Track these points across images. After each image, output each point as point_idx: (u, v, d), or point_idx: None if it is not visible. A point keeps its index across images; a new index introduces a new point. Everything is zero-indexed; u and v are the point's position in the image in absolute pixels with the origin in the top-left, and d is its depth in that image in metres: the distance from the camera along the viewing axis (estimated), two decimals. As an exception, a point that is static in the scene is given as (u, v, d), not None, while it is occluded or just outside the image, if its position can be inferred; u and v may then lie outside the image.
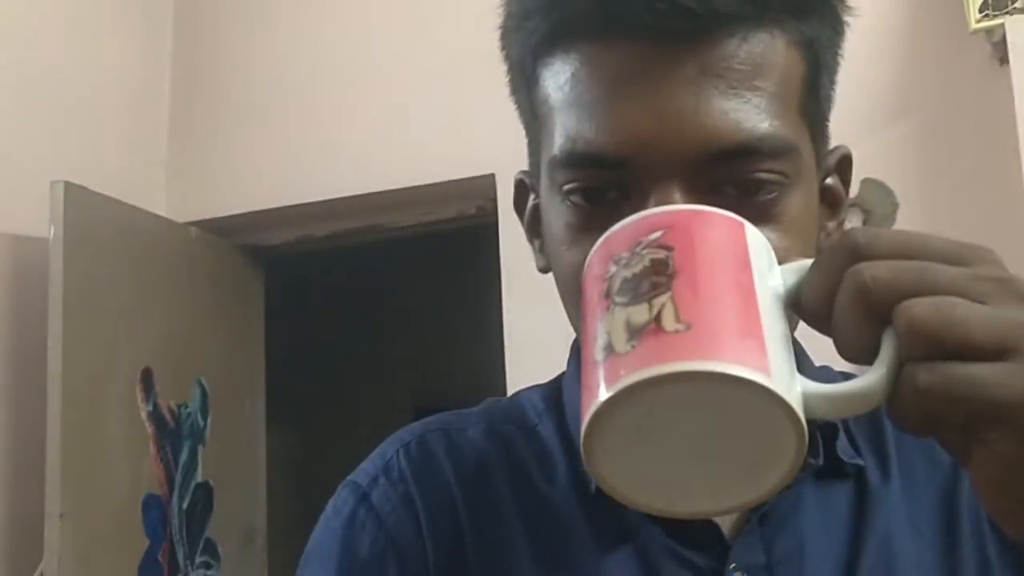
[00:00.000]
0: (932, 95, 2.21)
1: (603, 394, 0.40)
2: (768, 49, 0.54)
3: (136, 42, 2.90)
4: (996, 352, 0.37)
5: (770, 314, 0.42)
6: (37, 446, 2.24)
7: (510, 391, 2.32)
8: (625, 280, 0.42)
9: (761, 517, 0.60)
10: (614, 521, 0.60)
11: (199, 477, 2.66)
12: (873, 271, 0.39)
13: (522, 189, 0.67)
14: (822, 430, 0.61)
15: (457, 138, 2.59)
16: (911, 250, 0.40)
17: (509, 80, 0.64)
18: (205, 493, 2.68)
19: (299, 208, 2.81)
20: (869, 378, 0.40)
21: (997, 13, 1.91)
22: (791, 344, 0.42)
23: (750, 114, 0.53)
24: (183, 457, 2.60)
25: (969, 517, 0.62)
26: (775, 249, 0.45)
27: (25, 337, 2.39)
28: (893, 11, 2.21)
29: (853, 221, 2.22)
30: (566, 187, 0.56)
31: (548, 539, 0.61)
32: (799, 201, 0.55)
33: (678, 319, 0.40)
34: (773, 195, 0.54)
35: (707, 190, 0.52)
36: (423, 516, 0.62)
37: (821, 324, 0.41)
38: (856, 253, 0.40)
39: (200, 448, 2.67)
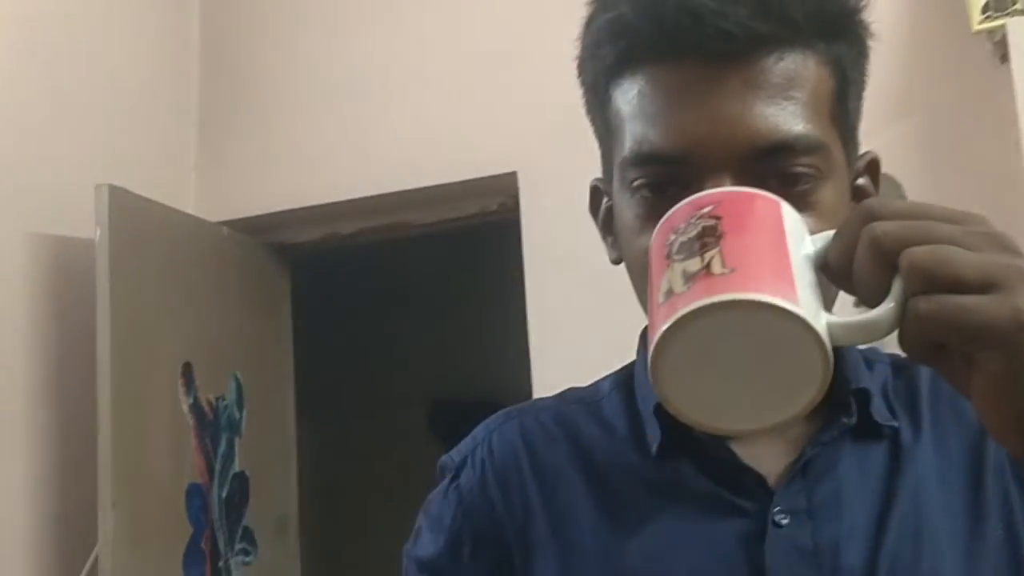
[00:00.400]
0: (937, 92, 2.31)
1: (665, 324, 0.49)
2: (800, 66, 0.65)
3: (165, 46, 3.00)
4: (982, 287, 0.45)
5: (800, 267, 0.51)
6: (87, 439, 2.34)
7: (535, 382, 2.44)
8: (682, 243, 0.52)
9: (803, 469, 0.68)
10: (670, 477, 0.69)
11: (236, 467, 2.77)
12: (883, 227, 0.48)
13: (596, 194, 0.77)
14: (856, 395, 0.69)
15: (480, 137, 2.68)
16: (915, 212, 0.48)
17: (585, 101, 0.74)
18: (242, 483, 2.79)
19: (325, 207, 2.90)
20: (880, 310, 0.48)
21: (998, 14, 2.01)
22: (819, 293, 0.51)
23: (787, 118, 0.63)
24: (221, 448, 2.71)
25: (994, 470, 0.69)
26: (810, 230, 0.54)
27: (72, 334, 2.49)
28: (899, 12, 2.31)
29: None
30: (635, 183, 0.66)
31: (609, 500, 0.71)
32: (831, 192, 0.65)
33: (724, 265, 0.49)
34: (808, 186, 0.64)
35: (753, 182, 0.60)
36: (498, 495, 0.74)
37: (844, 279, 0.50)
38: (871, 216, 0.49)
39: (237, 440, 2.78)
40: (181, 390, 2.58)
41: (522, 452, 0.75)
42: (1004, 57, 2.08)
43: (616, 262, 0.75)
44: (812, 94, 0.65)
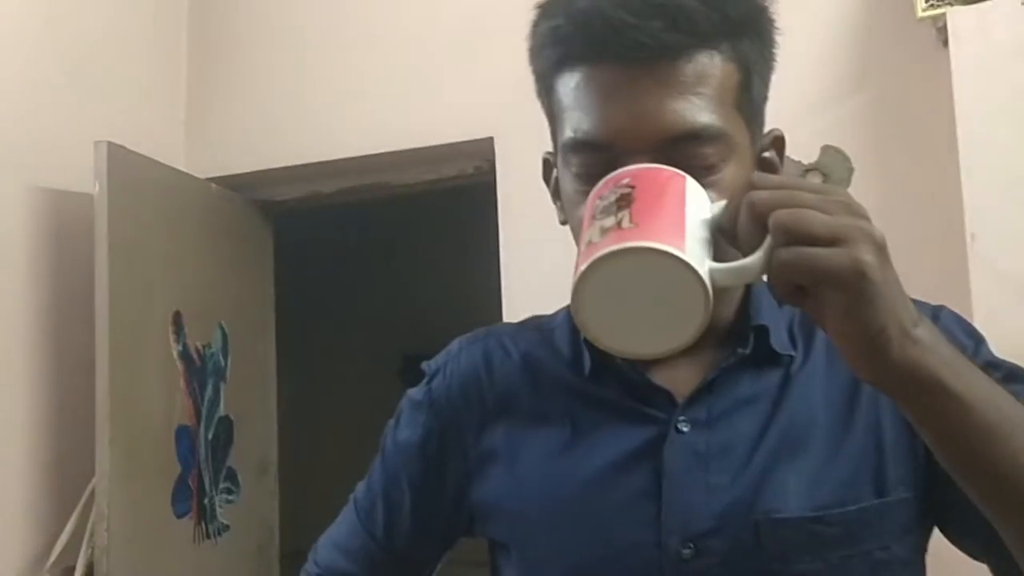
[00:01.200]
0: (885, 73, 2.48)
1: (582, 266, 0.62)
2: (707, 66, 0.75)
3: (158, 11, 3.08)
4: (830, 241, 0.57)
5: (694, 225, 0.63)
6: (86, 382, 2.48)
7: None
8: (603, 207, 0.65)
9: (708, 388, 0.81)
10: (599, 393, 0.85)
11: (222, 411, 2.92)
12: (759, 195, 0.60)
13: (547, 166, 0.90)
14: (755, 330, 0.83)
15: (459, 103, 2.78)
16: (787, 185, 0.60)
17: (536, 85, 0.86)
18: (227, 426, 2.94)
19: (308, 167, 3.01)
20: (752, 259, 0.61)
21: (940, 3, 2.17)
22: (709, 247, 0.62)
23: (694, 112, 0.74)
24: (208, 393, 2.86)
25: (870, 392, 0.80)
26: (714, 202, 0.67)
27: (71, 282, 2.62)
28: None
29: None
30: (573, 166, 0.79)
31: (549, 409, 0.87)
32: (734, 171, 0.76)
33: (631, 221, 0.62)
34: (713, 166, 0.75)
35: (667, 164, 0.71)
36: (461, 402, 0.91)
37: (731, 237, 0.62)
38: (752, 186, 0.61)
39: (222, 385, 2.93)
40: (172, 337, 2.71)
41: (482, 369, 0.92)
42: (946, 43, 2.24)
43: (563, 223, 0.86)
44: (718, 89, 0.76)
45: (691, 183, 0.67)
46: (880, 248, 0.58)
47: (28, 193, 2.59)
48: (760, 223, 0.60)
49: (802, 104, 2.53)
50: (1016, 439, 0.60)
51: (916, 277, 2.45)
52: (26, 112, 2.59)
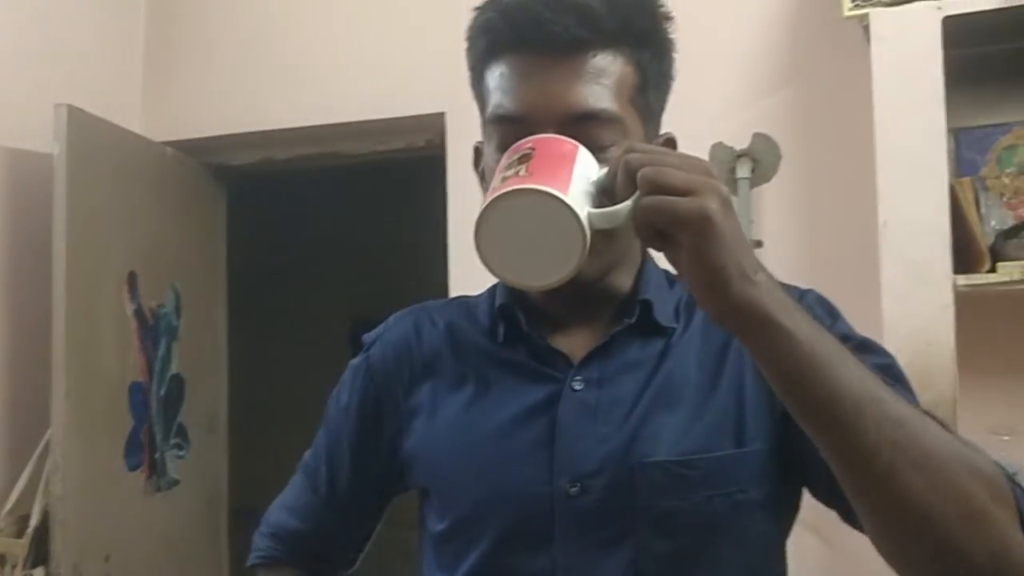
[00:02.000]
0: (814, 66, 2.63)
1: (483, 206, 0.75)
2: (609, 62, 0.90)
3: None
4: (684, 192, 0.67)
5: (579, 180, 0.74)
6: (42, 336, 2.56)
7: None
8: (508, 164, 0.77)
9: (600, 352, 0.94)
10: (509, 357, 0.98)
11: (173, 369, 3.01)
12: (631, 155, 0.71)
13: (478, 154, 1.02)
14: (641, 304, 0.95)
15: (412, 78, 2.87)
16: (655, 150, 0.72)
17: (470, 76, 0.99)
18: (178, 384, 3.03)
19: (262, 134, 3.07)
20: (621, 205, 0.72)
21: (864, 4, 2.32)
22: (590, 198, 0.74)
23: (594, 97, 0.88)
24: (160, 351, 2.95)
25: (735, 353, 0.93)
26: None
27: (30, 239, 2.69)
28: (785, -6, 2.62)
29: (744, 169, 2.65)
30: (494, 139, 0.93)
31: (467, 372, 1.00)
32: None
33: (527, 172, 0.74)
34: (607, 145, 0.87)
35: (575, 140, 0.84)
36: (393, 366, 1.05)
37: (610, 193, 0.73)
38: (629, 150, 0.73)
39: (174, 344, 3.01)
40: (126, 296, 2.79)
41: (412, 337, 1.05)
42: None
43: None
44: (617, 83, 0.90)
45: (583, 151, 0.80)
46: (724, 200, 0.69)
47: (-14, 151, 2.65)
48: (631, 178, 0.71)
49: (736, 94, 2.68)
50: (833, 371, 0.69)
51: (833, 258, 2.62)
52: (-14, 72, 2.64)
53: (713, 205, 0.68)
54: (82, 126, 2.62)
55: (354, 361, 1.10)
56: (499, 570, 0.92)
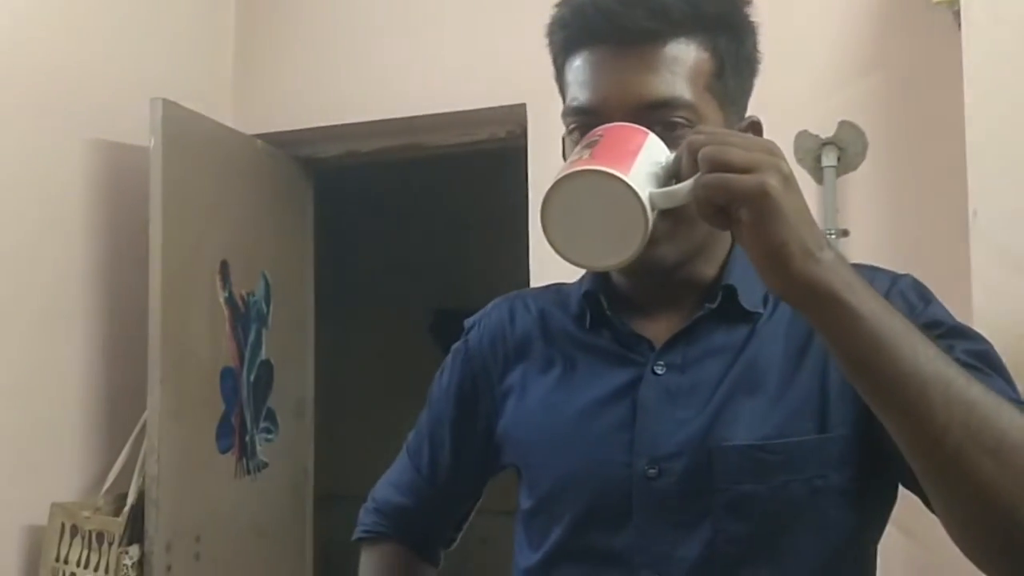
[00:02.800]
0: (901, 53, 2.58)
1: (550, 186, 0.77)
2: (682, 51, 0.91)
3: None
4: (744, 170, 0.69)
5: (644, 163, 0.75)
6: (138, 324, 2.65)
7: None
8: (576, 151, 0.79)
9: (683, 337, 0.95)
10: (594, 342, 1.01)
11: (263, 355, 3.10)
12: (696, 137, 0.73)
13: (564, 144, 1.03)
14: (724, 289, 0.95)
15: (494, 70, 2.90)
16: (719, 131, 0.75)
17: (553, 70, 1.01)
18: (267, 369, 3.12)
19: (348, 127, 3.14)
20: (683, 184, 0.73)
21: (956, -11, 2.27)
22: (655, 181, 0.75)
23: (667, 86, 0.90)
24: (251, 337, 3.03)
25: (819, 343, 0.90)
26: None
27: (126, 230, 2.79)
28: (873, -20, 2.58)
29: (830, 157, 2.62)
30: (571, 126, 0.94)
31: (556, 350, 1.03)
32: None
33: (592, 156, 0.76)
34: (680, 132, 0.87)
35: (649, 128, 0.86)
36: (488, 350, 1.09)
37: (679, 179, 0.75)
38: (694, 133, 0.75)
39: (264, 331, 3.10)
40: (218, 284, 2.88)
41: (507, 322, 1.09)
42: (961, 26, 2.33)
43: None
44: (691, 71, 0.91)
45: (652, 137, 0.81)
46: (785, 177, 0.70)
47: (85, 145, 2.76)
48: (694, 159, 0.73)
49: (822, 82, 2.64)
50: (899, 351, 0.69)
51: (921, 248, 2.57)
52: (85, 69, 2.75)
53: (772, 181, 0.68)
54: (176, 119, 2.71)
55: (455, 345, 1.15)
56: (580, 547, 0.95)
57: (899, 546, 2.28)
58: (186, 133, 2.75)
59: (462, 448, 1.12)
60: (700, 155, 0.71)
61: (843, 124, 2.60)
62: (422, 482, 1.16)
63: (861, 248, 2.58)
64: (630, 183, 0.73)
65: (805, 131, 2.61)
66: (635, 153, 0.77)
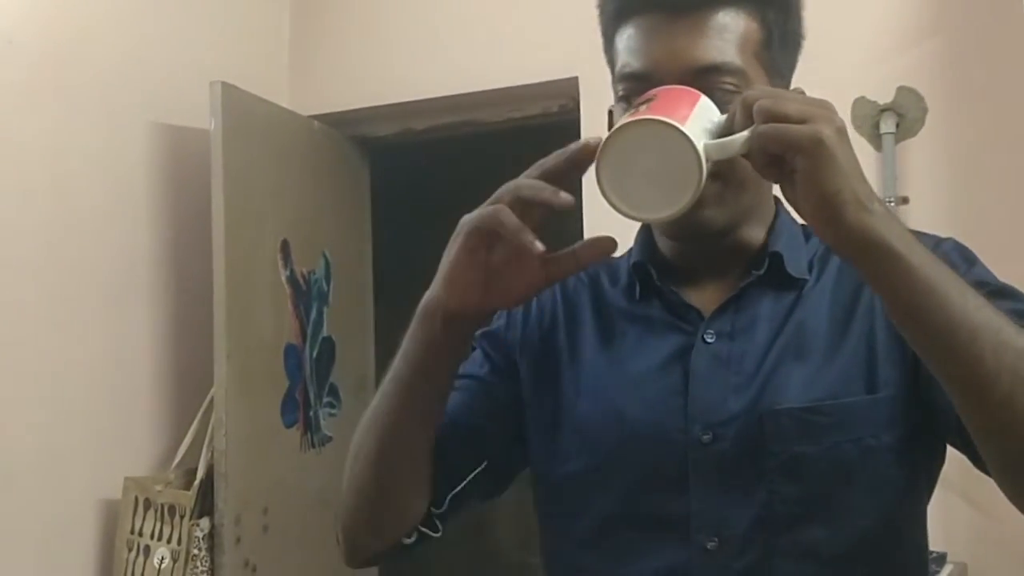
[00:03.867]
0: (962, 15, 2.53)
1: (604, 140, 0.78)
2: (732, 19, 0.93)
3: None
4: (800, 120, 0.71)
5: (699, 117, 0.77)
6: (204, 302, 2.72)
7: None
8: (631, 110, 0.81)
9: (733, 305, 0.96)
10: (644, 312, 1.01)
11: (325, 332, 3.16)
12: (751, 92, 0.76)
13: (611, 116, 1.04)
14: (771, 256, 0.97)
15: (545, 44, 2.90)
16: (774, 90, 0.78)
17: (603, 43, 1.03)
18: (329, 346, 3.18)
19: (402, 105, 3.18)
20: (738, 135, 0.75)
21: (1017, -52, 2.22)
22: (710, 133, 0.77)
23: (717, 52, 0.92)
24: (313, 315, 3.09)
25: (865, 305, 0.94)
26: None
27: (189, 212, 2.86)
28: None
29: (888, 123, 2.58)
30: (621, 92, 0.95)
31: (606, 322, 1.03)
32: None
33: (649, 109, 0.78)
34: (731, 96, 0.88)
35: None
36: (537, 314, 1.07)
37: (730, 130, 0.77)
38: (747, 91, 0.77)
39: (325, 309, 3.16)
40: (280, 263, 2.94)
41: (559, 293, 1.07)
42: (1022, -12, 2.28)
43: None
44: (740, 38, 0.93)
45: (704, 99, 0.83)
46: (839, 129, 0.72)
47: (148, 129, 2.83)
48: (748, 112, 0.74)
49: (879, 45, 2.61)
50: (949, 299, 0.72)
51: (983, 216, 2.54)
52: (145, 54, 2.81)
53: (827, 131, 0.70)
54: (235, 102, 2.76)
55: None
56: (636, 512, 0.95)
57: (963, 516, 2.27)
58: (245, 115, 2.81)
59: (492, 390, 1.05)
60: (756, 107, 0.73)
61: (901, 89, 2.57)
62: (478, 386, 1.05)
63: (921, 216, 2.55)
64: (686, 132, 0.74)
65: (863, 97, 2.58)
66: (690, 108, 0.79)
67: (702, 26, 0.92)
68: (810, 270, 0.99)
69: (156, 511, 2.64)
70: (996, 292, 0.87)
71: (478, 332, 1.05)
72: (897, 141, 2.57)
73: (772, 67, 0.96)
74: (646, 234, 1.06)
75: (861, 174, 0.72)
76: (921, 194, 2.56)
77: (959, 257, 0.94)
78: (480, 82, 3.04)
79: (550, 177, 0.83)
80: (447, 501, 1.00)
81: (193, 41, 2.96)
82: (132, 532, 2.64)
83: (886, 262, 0.72)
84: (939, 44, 2.56)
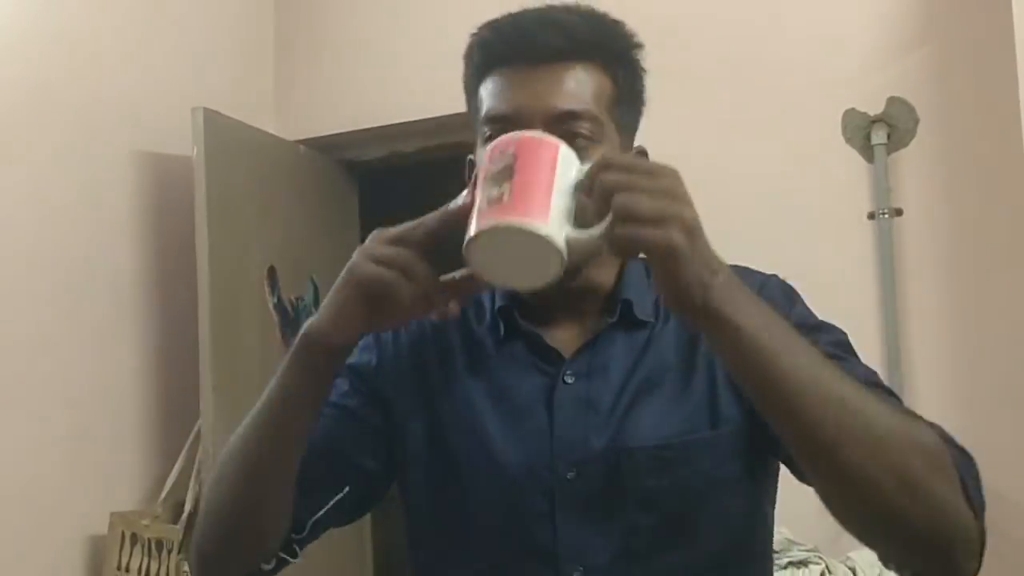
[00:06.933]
0: (952, 25, 2.50)
1: (471, 231, 0.80)
2: (588, 73, 1.00)
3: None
4: (655, 221, 0.75)
5: (560, 195, 0.80)
6: (188, 331, 2.69)
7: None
8: (493, 173, 0.81)
9: (589, 348, 1.03)
10: (509, 351, 1.05)
11: (314, 360, 3.11)
12: (607, 177, 0.78)
13: (471, 167, 1.06)
14: (623, 304, 1.04)
15: None
16: (628, 167, 0.78)
17: (465, 97, 1.07)
18: (318, 374, 3.12)
19: (389, 128, 3.16)
20: (597, 230, 0.78)
21: (1005, -44, 2.20)
22: (571, 211, 0.80)
23: (574, 99, 0.98)
24: (301, 342, 3.04)
25: (705, 349, 1.01)
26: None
27: (173, 240, 2.83)
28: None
29: (879, 135, 2.55)
30: (487, 133, 0.99)
31: (474, 359, 1.06)
32: (603, 151, 0.96)
33: (511, 196, 0.79)
34: (587, 143, 0.96)
35: (561, 138, 0.89)
36: (406, 347, 1.08)
37: (588, 214, 0.79)
38: (604, 165, 0.79)
39: (314, 335, 3.11)
40: (267, 290, 2.90)
41: (427, 326, 1.08)
42: (1010, -5, 2.26)
43: None
44: (596, 91, 1.00)
45: (564, 149, 0.85)
46: (690, 229, 0.76)
47: (131, 157, 2.80)
48: (606, 200, 0.78)
49: (869, 58, 2.58)
50: (779, 359, 0.79)
51: (978, 226, 2.50)
52: (126, 81, 2.79)
53: (678, 237, 0.75)
54: (218, 128, 2.73)
55: (369, 337, 1.09)
56: (508, 543, 1.01)
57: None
58: (228, 141, 2.77)
59: (357, 418, 1.04)
60: (613, 203, 0.77)
61: (892, 100, 2.54)
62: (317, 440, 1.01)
63: (916, 227, 2.51)
64: (550, 237, 0.79)
65: (853, 108, 2.55)
66: (551, 182, 0.82)
67: (562, 75, 0.99)
68: (655, 311, 1.06)
69: (143, 546, 2.59)
70: (814, 329, 0.97)
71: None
72: (889, 152, 2.54)
73: (621, 123, 1.03)
74: None
75: (707, 254, 0.78)
76: (915, 205, 2.52)
77: (782, 296, 1.03)
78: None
79: (430, 238, 0.88)
80: (308, 527, 1.02)
81: (174, 67, 2.93)
82: (119, 568, 2.59)
83: (723, 332, 0.79)
84: (929, 54, 2.54)
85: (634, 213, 0.76)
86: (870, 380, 0.92)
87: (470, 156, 1.07)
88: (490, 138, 0.97)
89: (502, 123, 0.97)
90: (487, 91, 1.01)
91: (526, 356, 1.05)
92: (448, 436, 1.04)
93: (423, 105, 3.07)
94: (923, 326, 2.49)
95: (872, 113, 2.55)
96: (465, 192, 0.86)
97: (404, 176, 3.87)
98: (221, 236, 2.71)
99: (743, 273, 1.00)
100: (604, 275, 1.06)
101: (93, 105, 2.68)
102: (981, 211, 2.47)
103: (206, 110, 2.69)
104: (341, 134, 3.22)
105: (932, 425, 0.85)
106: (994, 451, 2.30)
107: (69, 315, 2.60)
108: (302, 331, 0.93)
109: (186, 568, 2.56)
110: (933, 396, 2.44)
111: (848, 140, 2.56)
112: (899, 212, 2.52)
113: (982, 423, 2.34)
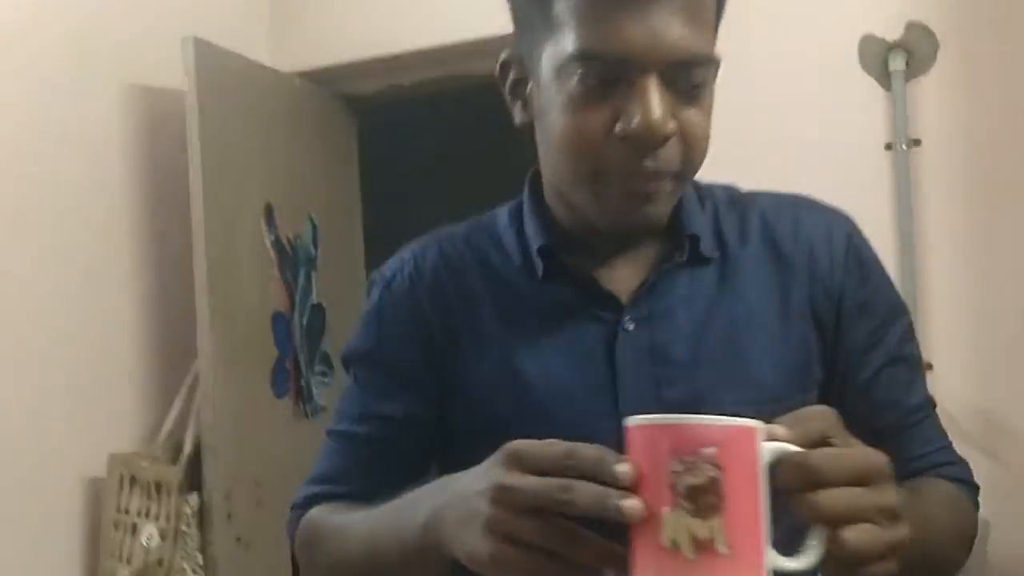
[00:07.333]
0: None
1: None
2: None
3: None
4: (884, 557, 0.64)
5: (765, 521, 0.62)
6: (185, 270, 2.61)
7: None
8: (689, 488, 0.61)
9: (648, 289, 0.89)
10: (551, 298, 0.91)
11: (314, 299, 3.05)
12: (825, 502, 0.62)
13: (505, 67, 0.93)
14: (689, 238, 0.90)
15: None
16: (851, 482, 0.63)
17: None
18: (319, 313, 3.07)
19: (387, 58, 3.05)
20: (808, 558, 0.63)
21: None
22: (771, 533, 0.63)
23: (697, 39, 0.79)
24: (300, 281, 2.98)
25: (798, 301, 0.91)
26: (696, 125, 0.80)
27: (166, 175, 2.74)
28: None
29: (897, 62, 2.46)
30: (576, 75, 0.79)
31: (508, 308, 0.93)
32: (711, 92, 0.83)
33: (725, 544, 0.60)
34: (702, 90, 0.81)
35: (671, 82, 0.79)
36: (426, 298, 0.95)
37: (779, 491, 0.64)
38: (816, 478, 0.63)
39: (314, 274, 3.04)
40: (264, 228, 2.83)
41: (443, 272, 0.95)
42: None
43: (521, 126, 0.91)
44: (709, 12, 0.82)
45: (763, 450, 0.64)
46: (900, 545, 0.66)
47: (120, 90, 2.70)
48: (821, 522, 0.64)
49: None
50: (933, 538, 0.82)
51: (998, 156, 2.42)
52: (115, 11, 2.68)
53: (894, 564, 0.66)
54: (210, 59, 2.63)
55: (369, 302, 0.99)
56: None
57: (982, 469, 2.17)
58: (221, 73, 2.68)
59: (412, 405, 0.96)
60: (842, 538, 0.63)
61: (911, 26, 2.44)
62: (362, 464, 0.98)
63: (935, 158, 2.43)
64: None
65: (870, 35, 2.45)
66: (764, 512, 0.63)
67: (679, 4, 0.78)
68: (718, 246, 0.93)
69: (142, 488, 2.55)
70: (885, 321, 0.93)
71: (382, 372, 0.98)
72: (907, 80, 2.45)
73: (716, 30, 0.85)
74: (539, 206, 0.95)
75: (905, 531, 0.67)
76: (934, 135, 2.44)
77: (856, 264, 0.93)
78: (468, 30, 2.91)
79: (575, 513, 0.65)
80: None
81: (166, -3, 2.82)
82: (118, 510, 2.55)
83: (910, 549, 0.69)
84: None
85: (866, 552, 0.63)
86: (924, 404, 0.94)
87: (505, 56, 0.91)
88: (589, 83, 0.80)
89: (605, 64, 0.79)
90: (577, 9, 0.79)
91: (574, 301, 0.91)
92: (489, 402, 0.91)
93: (422, 33, 2.97)
94: (940, 259, 2.42)
95: (890, 39, 2.45)
96: (626, 466, 0.63)
97: (404, 110, 3.78)
98: (215, 173, 2.62)
99: (808, 208, 0.95)
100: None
101: (80, 37, 2.58)
102: (1002, 142, 2.38)
103: (197, 39, 2.59)
104: (339, 65, 3.11)
105: (963, 468, 0.98)
106: (1013, 381, 2.27)
107: (60, 256, 2.53)
108: (422, 532, 0.75)
109: (186, 509, 2.53)
110: (950, 329, 2.38)
111: (865, 67, 2.47)
112: (917, 142, 2.43)
113: (1000, 355, 2.31)
